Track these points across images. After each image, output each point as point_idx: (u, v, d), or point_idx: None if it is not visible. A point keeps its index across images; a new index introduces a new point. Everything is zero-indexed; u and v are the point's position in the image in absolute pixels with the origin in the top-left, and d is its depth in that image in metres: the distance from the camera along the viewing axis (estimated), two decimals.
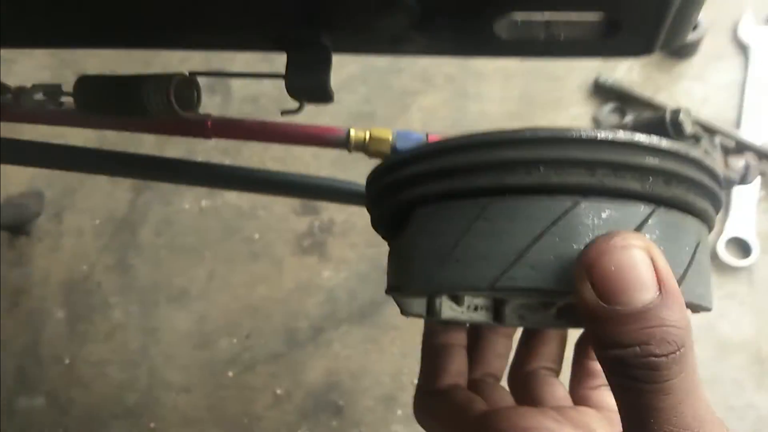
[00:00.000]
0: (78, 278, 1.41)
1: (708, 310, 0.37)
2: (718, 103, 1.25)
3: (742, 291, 1.14)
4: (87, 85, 0.65)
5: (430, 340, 0.49)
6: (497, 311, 0.47)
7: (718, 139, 0.50)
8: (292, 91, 0.57)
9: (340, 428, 1.20)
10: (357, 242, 1.33)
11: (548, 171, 0.33)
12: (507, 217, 0.33)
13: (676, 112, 0.40)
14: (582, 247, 0.32)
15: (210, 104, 1.49)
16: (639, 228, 0.34)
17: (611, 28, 0.44)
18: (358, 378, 1.24)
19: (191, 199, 1.42)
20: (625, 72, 1.29)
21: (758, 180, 1.18)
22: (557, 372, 0.50)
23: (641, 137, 0.34)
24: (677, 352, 0.29)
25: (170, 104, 0.63)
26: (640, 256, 0.30)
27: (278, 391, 1.25)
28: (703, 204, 0.36)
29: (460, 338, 0.49)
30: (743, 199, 1.17)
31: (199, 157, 1.38)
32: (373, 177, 0.41)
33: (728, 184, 0.52)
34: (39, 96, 0.65)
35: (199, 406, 1.26)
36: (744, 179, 0.55)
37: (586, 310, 0.30)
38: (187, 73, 0.66)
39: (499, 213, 0.34)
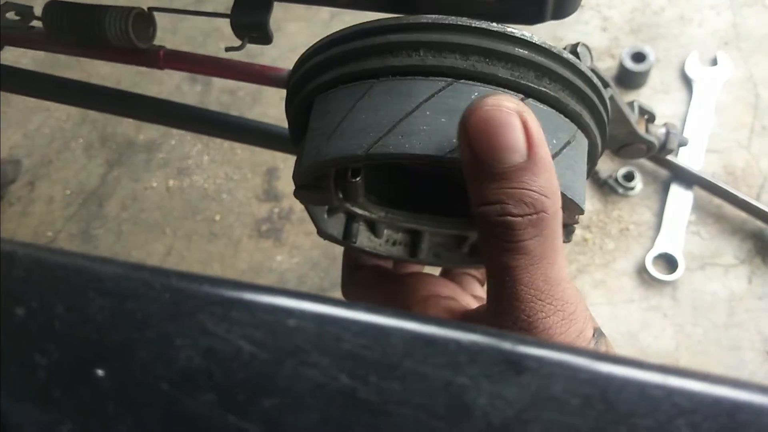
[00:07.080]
0: (41, 243, 1.45)
1: (579, 208, 0.38)
2: None
3: (666, 305, 1.20)
4: (56, 9, 0.73)
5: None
6: (413, 247, 0.49)
7: (636, 102, 0.55)
8: (236, 27, 0.65)
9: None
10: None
11: (426, 54, 0.36)
12: (387, 94, 0.36)
13: (575, 45, 0.45)
14: (450, 121, 0.34)
15: (191, 92, 1.57)
16: None
17: None
18: None
19: (160, 177, 1.48)
20: None
21: (690, 203, 1.26)
22: None
23: (514, 30, 0.37)
24: (534, 216, 0.31)
25: (128, 34, 0.70)
26: (510, 119, 0.30)
27: None
28: (576, 107, 0.38)
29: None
30: (675, 218, 1.25)
31: None
32: (287, 82, 0.44)
33: (649, 150, 0.57)
34: (11, 15, 0.72)
35: None
36: (664, 146, 0.59)
37: (464, 168, 0.32)
38: (146, 9, 0.73)
39: (382, 91, 0.36)
